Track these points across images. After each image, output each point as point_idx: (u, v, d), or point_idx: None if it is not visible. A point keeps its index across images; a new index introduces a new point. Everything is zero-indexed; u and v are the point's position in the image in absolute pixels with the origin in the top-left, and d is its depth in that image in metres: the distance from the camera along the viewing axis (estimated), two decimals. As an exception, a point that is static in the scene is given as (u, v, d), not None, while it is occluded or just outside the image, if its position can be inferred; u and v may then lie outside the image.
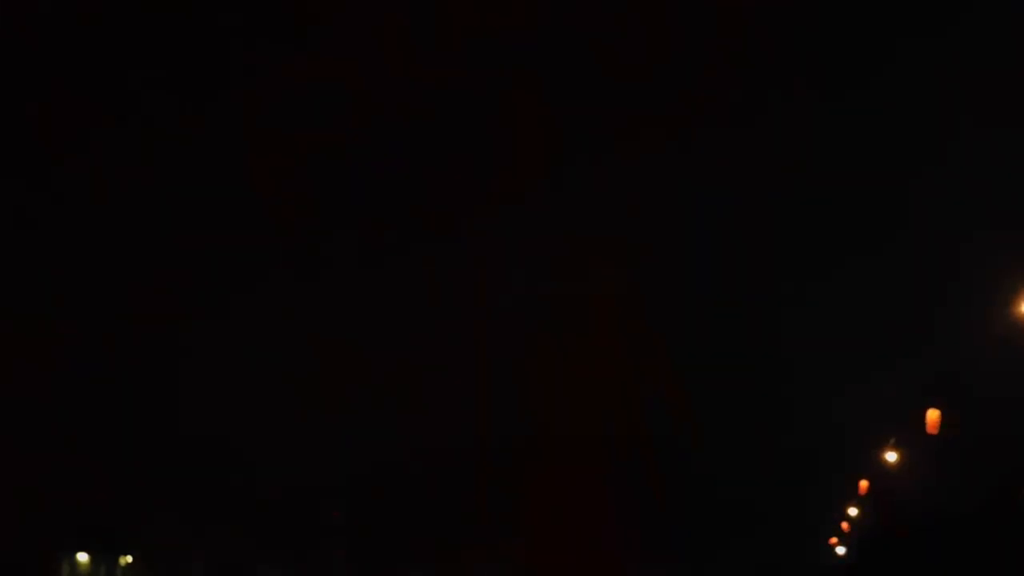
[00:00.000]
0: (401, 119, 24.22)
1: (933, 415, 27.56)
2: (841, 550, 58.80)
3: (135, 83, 24.13)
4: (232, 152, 25.19)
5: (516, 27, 22.53)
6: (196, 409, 31.42)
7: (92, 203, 25.57)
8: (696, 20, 22.53)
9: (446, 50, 22.94)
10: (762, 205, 30.22)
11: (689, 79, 23.15)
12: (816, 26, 24.28)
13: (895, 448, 36.62)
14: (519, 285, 26.62)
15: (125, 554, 37.88)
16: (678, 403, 26.76)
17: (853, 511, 50.97)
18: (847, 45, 25.96)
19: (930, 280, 31.14)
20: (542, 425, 26.68)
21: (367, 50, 23.28)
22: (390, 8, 23.02)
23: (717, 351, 33.99)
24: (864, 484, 44.84)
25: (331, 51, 23.60)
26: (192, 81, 24.48)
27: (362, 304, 28.72)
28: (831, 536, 58.38)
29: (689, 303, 30.22)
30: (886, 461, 37.51)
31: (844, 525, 55.81)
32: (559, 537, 26.30)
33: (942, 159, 28.53)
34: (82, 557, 36.92)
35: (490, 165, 24.94)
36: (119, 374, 29.91)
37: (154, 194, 25.76)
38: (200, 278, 28.36)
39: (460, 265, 27.10)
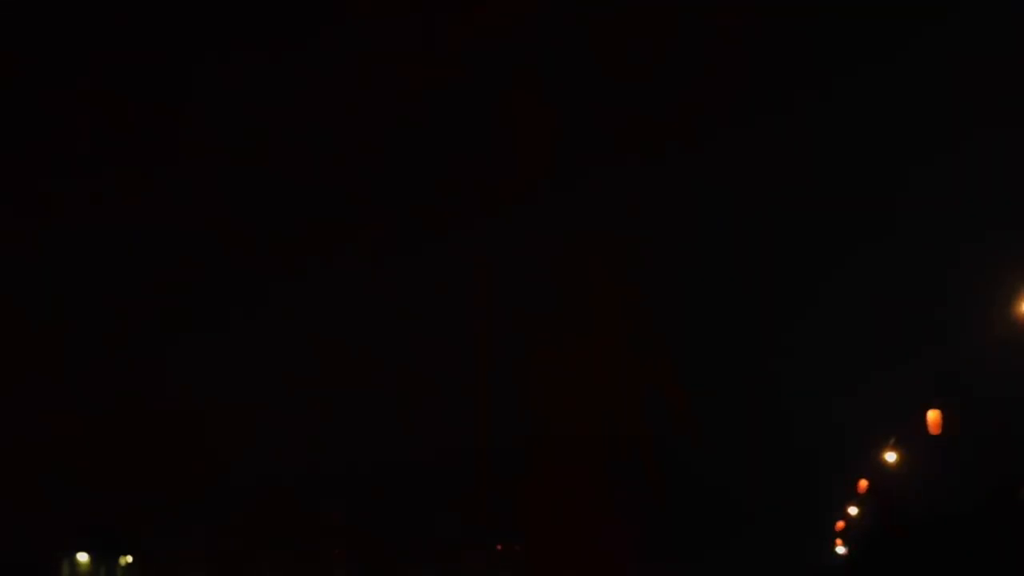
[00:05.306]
0: (400, 119, 24.24)
1: (934, 415, 27.60)
2: (841, 550, 58.80)
3: (132, 83, 24.14)
4: (229, 152, 25.20)
5: (516, 27, 22.54)
6: (196, 409, 31.44)
7: (90, 203, 25.58)
8: (698, 21, 22.55)
9: (446, 50, 22.95)
10: (763, 205, 30.27)
11: (691, 79, 23.17)
12: (819, 25, 24.31)
13: (895, 448, 36.64)
14: (519, 285, 26.62)
15: (125, 554, 37.86)
16: (678, 403, 26.76)
17: (853, 511, 50.98)
18: (849, 45, 25.99)
19: (930, 280, 31.18)
20: (542, 425, 26.69)
21: (366, 50, 23.29)
22: (389, 8, 23.03)
23: (718, 351, 34.06)
24: (864, 484, 44.87)
25: (330, 51, 23.62)
26: (189, 81, 24.50)
27: (362, 304, 28.75)
28: (831, 536, 58.39)
29: (690, 303, 30.27)
30: (886, 461, 37.53)
31: (843, 525, 55.82)
32: (559, 537, 26.32)
33: (943, 159, 28.57)
34: (82, 557, 36.91)
35: (490, 165, 24.95)
36: (119, 374, 29.93)
37: (151, 194, 25.76)
38: (199, 279, 28.37)
39: (459, 265, 27.13)
